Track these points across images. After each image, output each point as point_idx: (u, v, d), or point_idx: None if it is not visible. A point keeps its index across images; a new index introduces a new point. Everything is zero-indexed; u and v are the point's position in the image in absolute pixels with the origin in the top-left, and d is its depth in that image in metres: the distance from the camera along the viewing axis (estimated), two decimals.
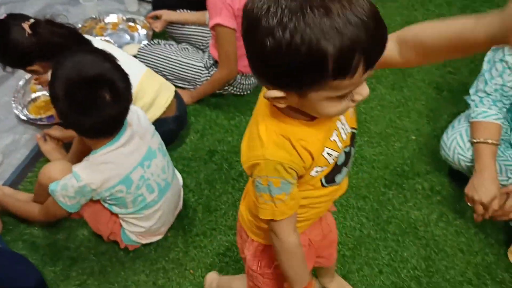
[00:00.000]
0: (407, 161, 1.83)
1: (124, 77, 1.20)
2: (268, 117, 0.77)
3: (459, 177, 1.70)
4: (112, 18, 2.27)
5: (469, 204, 1.53)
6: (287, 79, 0.66)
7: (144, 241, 1.48)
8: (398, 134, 1.93)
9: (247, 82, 1.96)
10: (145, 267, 1.48)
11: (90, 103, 1.15)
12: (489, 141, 1.52)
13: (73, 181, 1.26)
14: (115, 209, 1.37)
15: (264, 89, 0.79)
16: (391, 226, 1.63)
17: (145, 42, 2.16)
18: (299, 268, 0.93)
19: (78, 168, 1.27)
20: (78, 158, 1.41)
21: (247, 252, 1.06)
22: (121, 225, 1.43)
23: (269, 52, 0.63)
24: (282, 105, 0.73)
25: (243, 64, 1.86)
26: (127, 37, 2.23)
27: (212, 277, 1.41)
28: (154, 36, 2.20)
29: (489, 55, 1.57)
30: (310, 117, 0.78)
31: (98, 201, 1.36)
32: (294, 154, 0.78)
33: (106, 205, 1.37)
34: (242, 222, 1.05)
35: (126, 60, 1.29)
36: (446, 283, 1.49)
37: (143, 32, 2.25)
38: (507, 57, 1.49)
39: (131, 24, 2.27)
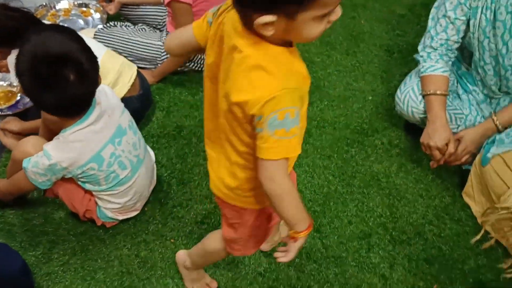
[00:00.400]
0: (365, 120, 1.94)
1: (92, 59, 1.22)
2: (266, 52, 0.80)
3: (414, 130, 1.82)
4: (63, 5, 2.23)
5: (426, 152, 1.66)
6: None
7: (120, 217, 1.51)
8: (355, 96, 2.04)
9: None
10: (126, 241, 1.52)
11: (53, 80, 1.16)
12: (438, 92, 1.64)
13: (44, 159, 1.28)
14: (88, 186, 1.39)
15: (228, 43, 0.83)
16: (356, 181, 1.73)
17: (100, 26, 2.14)
18: (300, 206, 0.92)
19: (49, 146, 1.29)
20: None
21: (249, 217, 1.06)
22: (96, 203, 1.46)
23: None
24: (269, 33, 0.76)
25: None
26: (81, 22, 2.20)
27: (182, 257, 1.39)
28: (109, 19, 2.19)
29: (432, 12, 1.68)
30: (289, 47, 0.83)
31: (72, 179, 1.38)
32: (301, 80, 0.82)
33: (79, 182, 1.39)
34: (226, 197, 1.03)
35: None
36: (410, 226, 1.62)
37: (97, 16, 2.23)
38: (449, 12, 1.60)
39: (84, 9, 2.24)
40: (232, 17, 0.84)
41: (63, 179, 1.36)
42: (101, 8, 2.20)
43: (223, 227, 1.16)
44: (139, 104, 1.75)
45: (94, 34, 1.99)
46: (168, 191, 1.66)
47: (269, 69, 0.79)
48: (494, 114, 1.65)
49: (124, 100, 1.64)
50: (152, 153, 1.64)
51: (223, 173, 0.99)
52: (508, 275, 1.47)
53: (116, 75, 1.66)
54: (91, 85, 1.25)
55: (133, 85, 1.71)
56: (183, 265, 1.40)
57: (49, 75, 1.16)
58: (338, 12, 0.78)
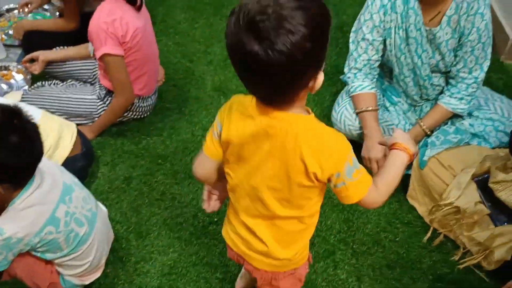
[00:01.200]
0: None
1: (27, 113, 1.22)
2: (311, 120, 0.93)
3: (353, 146, 1.92)
4: None
5: (368, 165, 1.77)
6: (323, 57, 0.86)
7: (87, 282, 1.44)
8: None
9: (145, 104, 1.99)
10: None
11: (24, 142, 1.16)
12: (370, 108, 1.77)
13: None
14: (49, 256, 1.32)
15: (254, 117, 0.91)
16: None
17: (26, 87, 2.07)
18: (398, 171, 1.05)
19: None
20: None
21: (302, 271, 1.18)
22: (59, 273, 1.38)
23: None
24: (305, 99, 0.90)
25: (139, 87, 1.89)
26: (4, 86, 2.10)
27: None
28: (34, 79, 2.11)
29: (352, 36, 1.83)
30: None
31: (29, 253, 1.30)
32: None
33: (38, 254, 1.31)
34: (280, 267, 1.11)
35: None
36: (367, 237, 1.71)
37: (19, 77, 2.14)
38: (367, 35, 1.75)
39: (4, 72, 2.14)
40: (240, 104, 0.94)
41: (20, 255, 1.28)
42: (23, 69, 2.12)
43: None
44: (85, 162, 1.70)
45: (22, 97, 1.92)
46: (128, 247, 1.62)
47: (329, 131, 0.92)
48: (420, 120, 1.81)
49: (68, 160, 1.61)
50: (102, 205, 1.59)
51: (273, 247, 1.06)
52: (462, 266, 1.60)
53: (56, 137, 1.61)
54: (39, 134, 1.24)
55: (75, 144, 1.67)
56: None
57: (19, 139, 1.15)
58: None
